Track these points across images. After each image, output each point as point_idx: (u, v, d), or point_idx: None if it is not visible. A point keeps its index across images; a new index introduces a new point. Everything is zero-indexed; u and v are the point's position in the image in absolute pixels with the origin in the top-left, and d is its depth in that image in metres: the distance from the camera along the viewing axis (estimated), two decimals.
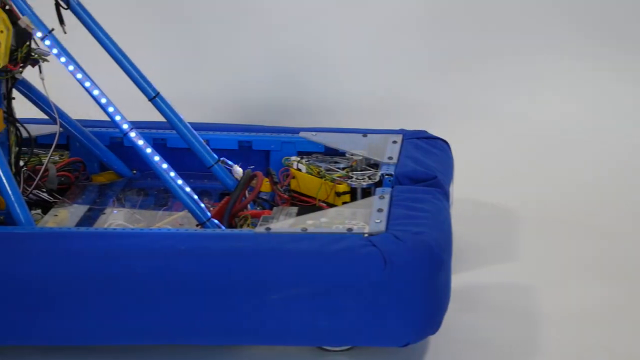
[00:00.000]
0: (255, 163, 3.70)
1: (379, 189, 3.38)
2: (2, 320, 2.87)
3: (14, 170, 3.34)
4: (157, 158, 3.30)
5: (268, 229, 3.06)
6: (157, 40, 4.84)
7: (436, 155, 3.69)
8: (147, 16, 4.88)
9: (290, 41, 4.86)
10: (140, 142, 3.31)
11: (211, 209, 3.35)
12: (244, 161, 3.65)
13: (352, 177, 3.50)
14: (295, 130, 3.81)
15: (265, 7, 4.86)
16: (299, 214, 3.33)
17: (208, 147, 3.52)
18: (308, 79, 4.85)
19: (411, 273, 2.89)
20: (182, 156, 3.68)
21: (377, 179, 3.47)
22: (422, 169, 3.49)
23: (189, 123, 3.52)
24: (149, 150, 3.31)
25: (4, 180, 3.09)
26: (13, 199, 3.08)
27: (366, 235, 3.00)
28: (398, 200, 3.25)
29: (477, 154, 4.54)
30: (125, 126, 3.31)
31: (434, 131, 3.94)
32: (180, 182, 3.29)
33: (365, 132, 3.81)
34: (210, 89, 4.78)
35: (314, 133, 3.78)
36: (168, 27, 4.87)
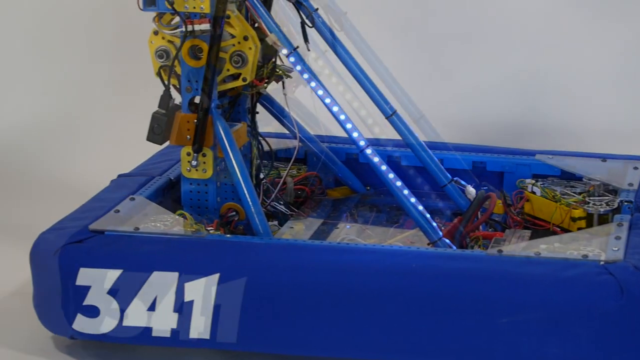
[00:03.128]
0: (489, 184, 3.68)
1: (617, 216, 3.28)
2: (238, 326, 2.97)
3: (254, 182, 3.45)
4: (391, 175, 3.33)
5: (500, 251, 3.02)
6: (394, 58, 4.88)
7: None
8: (386, 34, 4.93)
9: (529, 61, 4.80)
10: (376, 159, 3.35)
11: (442, 228, 3.35)
12: (477, 182, 3.63)
13: (589, 203, 3.42)
14: (531, 153, 3.76)
15: (505, 26, 4.82)
16: (532, 237, 3.27)
17: (442, 167, 3.52)
18: (546, 100, 4.76)
19: None
20: (415, 174, 3.71)
21: (616, 205, 3.37)
22: None
23: (424, 142, 3.54)
24: (383, 167, 3.34)
25: (246, 192, 3.20)
26: (253, 210, 3.19)
27: (602, 262, 2.92)
28: (638, 228, 3.14)
29: None
30: (361, 143, 3.36)
31: None
32: (413, 200, 3.31)
33: (604, 157, 3.71)
34: (446, 109, 4.78)
35: (550, 156, 3.72)
36: (407, 45, 4.91)
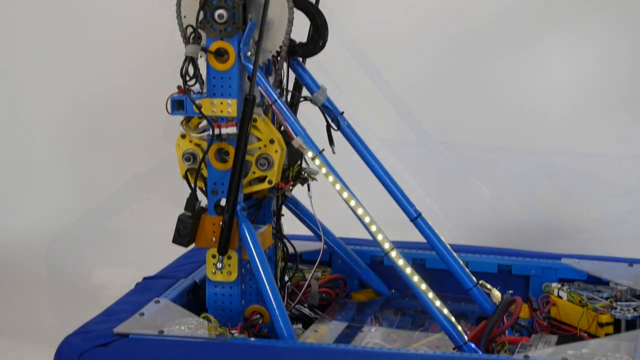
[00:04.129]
0: (515, 288, 3.65)
1: None
2: None
3: (279, 284, 3.44)
4: (416, 278, 3.32)
5: (526, 356, 2.98)
6: (418, 162, 4.92)
7: None
8: (408, 139, 4.98)
9: (555, 162, 4.81)
10: (401, 262, 3.34)
11: (468, 332, 3.32)
12: (502, 285, 3.61)
13: (616, 308, 3.38)
14: (557, 256, 3.74)
15: (531, 128, 4.86)
16: (558, 343, 3.23)
17: (467, 270, 3.50)
18: (572, 202, 4.76)
19: None
20: (440, 277, 3.68)
21: None
22: None
23: (449, 244, 3.53)
24: (408, 270, 3.33)
25: (270, 295, 3.18)
26: (277, 313, 3.17)
27: None
28: None
29: None
30: (386, 245, 3.35)
31: None
32: (438, 303, 3.29)
33: (631, 262, 3.69)
34: (471, 211, 4.79)
35: (576, 260, 3.70)
36: (432, 147, 4.95)
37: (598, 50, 4.92)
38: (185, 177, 3.26)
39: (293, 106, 3.45)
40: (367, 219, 3.36)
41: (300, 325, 3.49)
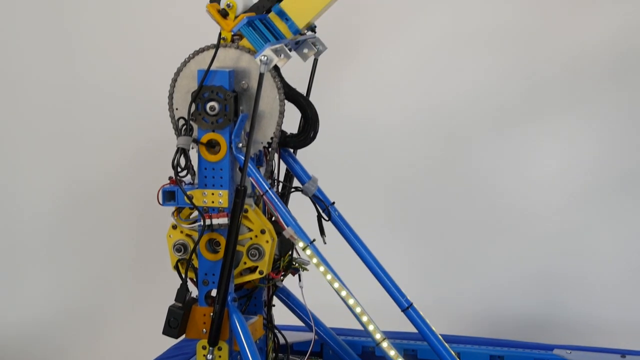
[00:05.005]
0: None
1: None
2: None
3: None
4: None
5: None
6: (409, 251, 4.92)
7: None
8: (403, 222, 4.99)
9: (545, 255, 4.82)
10: (392, 353, 3.32)
11: None
12: None
13: None
14: (549, 347, 3.73)
15: (522, 218, 4.88)
16: None
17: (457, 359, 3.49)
18: (564, 293, 4.76)
19: None
20: None
21: None
22: None
23: (441, 335, 3.51)
24: None
25: None
26: None
27: None
28: None
29: None
30: (378, 336, 3.34)
31: None
32: None
33: (623, 353, 3.68)
34: (463, 300, 4.78)
35: (568, 351, 3.69)
36: (422, 237, 4.96)
37: (590, 138, 4.96)
38: (176, 267, 3.26)
39: (284, 196, 3.47)
40: (358, 309, 3.35)
41: None
